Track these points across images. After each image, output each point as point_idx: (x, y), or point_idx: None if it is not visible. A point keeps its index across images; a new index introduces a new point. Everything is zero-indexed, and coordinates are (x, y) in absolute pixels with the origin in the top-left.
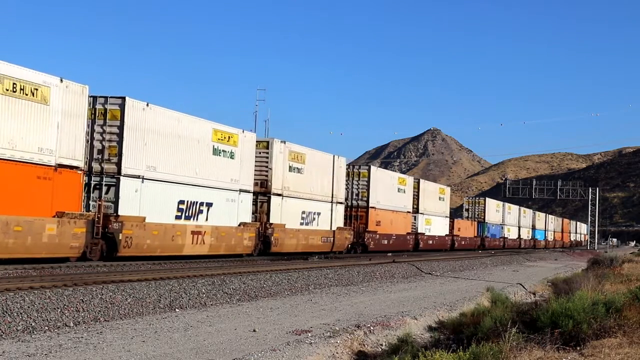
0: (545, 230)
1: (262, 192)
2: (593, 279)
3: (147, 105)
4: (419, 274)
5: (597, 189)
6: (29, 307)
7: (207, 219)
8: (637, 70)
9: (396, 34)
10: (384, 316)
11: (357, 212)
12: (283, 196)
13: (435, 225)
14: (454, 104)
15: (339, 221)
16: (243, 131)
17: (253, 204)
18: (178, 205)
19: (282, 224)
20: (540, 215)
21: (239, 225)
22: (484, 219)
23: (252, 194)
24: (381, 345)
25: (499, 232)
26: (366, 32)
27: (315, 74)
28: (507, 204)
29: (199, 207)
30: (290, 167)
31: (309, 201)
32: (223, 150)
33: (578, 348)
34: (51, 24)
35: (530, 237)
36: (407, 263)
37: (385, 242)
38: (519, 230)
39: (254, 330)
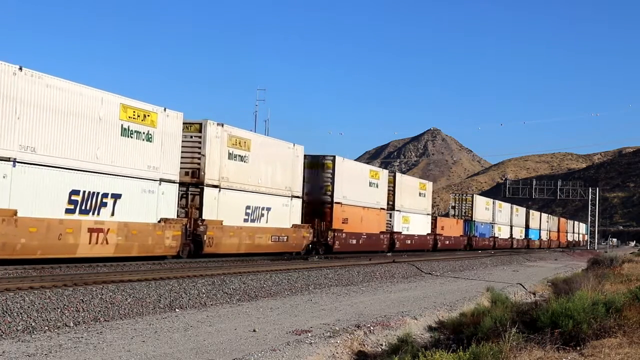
0: (539, 230)
1: (194, 183)
2: (593, 279)
3: (21, 69)
4: (419, 274)
5: (597, 189)
6: (29, 307)
7: (112, 214)
8: (637, 70)
9: (396, 34)
10: (384, 316)
11: (320, 208)
12: (221, 188)
13: (414, 223)
14: (454, 104)
15: (296, 218)
16: (165, 109)
17: (182, 197)
18: (70, 197)
19: (218, 221)
20: (535, 214)
21: (159, 221)
22: (472, 217)
23: (177, 184)
24: (381, 345)
25: (488, 231)
26: (366, 32)
27: (315, 74)
28: (497, 202)
29: (101, 200)
30: (230, 154)
31: (256, 194)
32: (136, 131)
33: (578, 348)
34: (50, 24)
35: (523, 237)
36: (407, 263)
37: (354, 241)
38: (511, 229)
39: (254, 330)
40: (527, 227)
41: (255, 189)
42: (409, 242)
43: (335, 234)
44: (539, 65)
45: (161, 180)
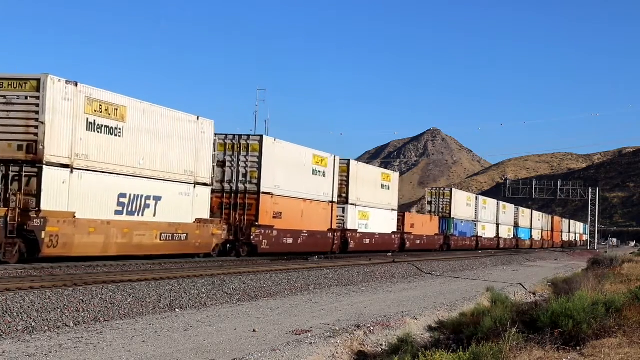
0: (531, 229)
1: (28, 161)
2: (593, 279)
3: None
4: (419, 274)
5: (597, 189)
6: (29, 307)
7: None
8: (637, 70)
9: (396, 34)
10: (384, 316)
11: (243, 199)
12: (74, 168)
13: (375, 220)
14: (454, 104)
15: (201, 211)
16: None
17: (6, 180)
18: None
19: (68, 213)
20: (525, 212)
21: None
22: (450, 213)
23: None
24: (381, 345)
25: (470, 230)
26: (366, 32)
27: (315, 74)
28: (481, 197)
29: None
30: (91, 124)
31: (138, 179)
32: None
33: (578, 348)
34: (51, 23)
35: (512, 236)
36: (407, 263)
37: (290, 240)
38: (498, 228)
39: (254, 330)
40: (516, 226)
41: (137, 172)
42: (367, 241)
43: (263, 232)
44: (539, 65)
45: None
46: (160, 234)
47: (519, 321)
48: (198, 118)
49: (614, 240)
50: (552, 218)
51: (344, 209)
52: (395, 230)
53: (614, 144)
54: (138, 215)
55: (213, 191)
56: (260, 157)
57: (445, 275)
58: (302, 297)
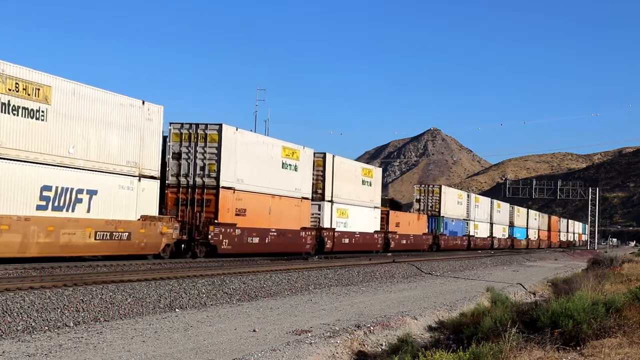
0: (527, 228)
1: None
2: (593, 279)
3: None
4: (419, 274)
5: (597, 189)
6: (29, 307)
7: None
8: (637, 70)
9: (396, 34)
10: (384, 316)
11: (200, 194)
12: None
13: (356, 218)
14: (454, 104)
15: (148, 207)
16: None
17: None
18: None
19: None
20: (521, 210)
21: None
22: (440, 211)
23: None
24: (381, 345)
25: (461, 229)
26: (366, 32)
27: (315, 74)
28: (473, 195)
29: None
30: (5, 104)
31: (66, 170)
32: None
33: (578, 348)
34: (51, 23)
35: (507, 236)
36: (407, 263)
37: (255, 240)
38: (491, 227)
39: (254, 330)
40: (511, 225)
41: (66, 162)
42: (346, 241)
43: (223, 230)
44: (539, 65)
45: None
46: (96, 232)
47: (519, 321)
48: (144, 103)
49: (614, 240)
50: (550, 217)
51: (319, 206)
52: (378, 229)
53: (614, 144)
54: (67, 211)
55: (168, 186)
56: (219, 148)
57: (445, 275)
58: (302, 297)
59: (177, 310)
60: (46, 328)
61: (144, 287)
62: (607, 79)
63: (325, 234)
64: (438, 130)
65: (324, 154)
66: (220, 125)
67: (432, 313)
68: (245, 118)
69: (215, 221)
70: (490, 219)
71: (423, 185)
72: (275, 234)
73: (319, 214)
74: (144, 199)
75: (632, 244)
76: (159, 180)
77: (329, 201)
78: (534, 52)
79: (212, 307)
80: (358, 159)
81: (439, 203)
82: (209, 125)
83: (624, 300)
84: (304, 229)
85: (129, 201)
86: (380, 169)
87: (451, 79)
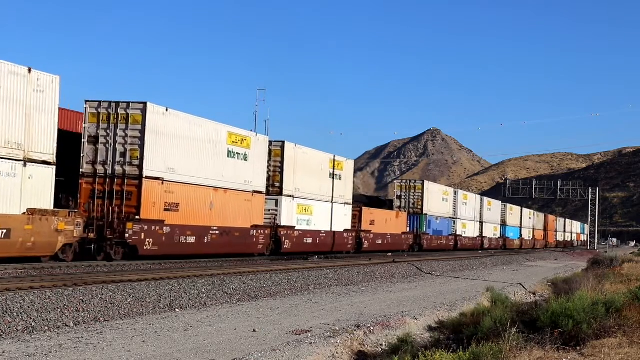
0: (520, 228)
1: None
2: (593, 279)
3: None
4: (419, 274)
5: (597, 189)
6: (29, 307)
7: None
8: (637, 70)
9: (396, 34)
10: (384, 316)
11: (120, 185)
12: None
13: (321, 215)
14: (454, 104)
15: (39, 198)
16: None
17: None
18: None
19: None
20: (514, 209)
21: None
22: (422, 209)
23: None
24: (381, 345)
25: (447, 228)
26: (366, 32)
27: (315, 74)
28: (461, 192)
29: None
30: None
31: None
32: None
33: (578, 348)
34: (52, 23)
35: (498, 236)
36: (407, 263)
37: (191, 239)
38: (481, 226)
39: (254, 330)
40: (503, 224)
41: None
42: (308, 240)
43: (147, 228)
44: (539, 65)
45: None
46: None
47: (519, 321)
48: (30, 71)
49: (614, 240)
50: (546, 216)
51: (277, 201)
52: (349, 227)
53: (614, 144)
54: None
55: (83, 175)
56: (143, 131)
57: (445, 275)
58: (302, 297)
59: (177, 310)
60: (46, 328)
61: (144, 287)
62: (607, 79)
63: (282, 232)
64: (438, 130)
65: (283, 142)
66: (145, 104)
67: (432, 313)
68: (245, 118)
69: (137, 217)
70: (480, 217)
71: (404, 181)
72: (217, 232)
73: (276, 210)
74: (33, 189)
75: (632, 244)
76: (54, 167)
77: (288, 196)
78: (534, 52)
79: (212, 307)
80: (358, 159)
81: (422, 200)
82: (131, 104)
83: (624, 300)
84: (255, 227)
85: (10, 191)
86: (352, 161)
87: (451, 79)
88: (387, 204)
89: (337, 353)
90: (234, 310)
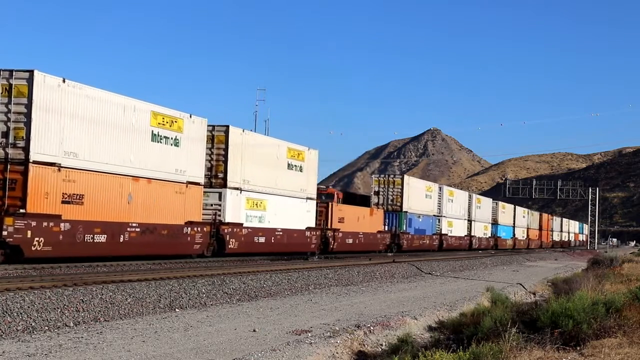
0: (513, 227)
1: None
2: (593, 279)
3: None
4: (419, 274)
5: (597, 189)
6: (29, 307)
7: None
8: (637, 70)
9: (396, 34)
10: (384, 316)
11: (1, 173)
12: None
13: (276, 211)
14: (454, 104)
15: None
16: None
17: None
18: None
19: None
20: (507, 207)
21: None
22: (402, 206)
23: None
24: (381, 345)
25: (431, 227)
26: (366, 32)
27: (315, 74)
28: (447, 188)
29: None
30: None
31: None
32: None
33: (578, 348)
34: (52, 23)
35: (489, 235)
36: (407, 263)
37: (101, 238)
38: (470, 224)
39: (254, 330)
40: (495, 223)
41: None
42: (260, 239)
43: (35, 225)
44: (539, 65)
45: None
46: None
47: (519, 321)
48: None
49: (614, 240)
50: (541, 215)
51: (220, 194)
52: (312, 225)
53: (614, 144)
54: None
55: None
56: (29, 106)
57: (445, 275)
58: (302, 297)
59: (177, 310)
60: (46, 328)
61: (144, 287)
62: (607, 79)
63: (226, 230)
64: (438, 130)
65: (227, 126)
66: (31, 72)
67: (432, 313)
68: (245, 118)
69: (21, 211)
70: (469, 215)
71: (382, 175)
72: (137, 229)
73: (220, 205)
74: None
75: (632, 244)
76: None
77: (234, 188)
78: (534, 52)
79: (212, 307)
80: (358, 159)
81: (401, 196)
82: (14, 73)
83: (624, 300)
84: (190, 224)
85: None
86: (316, 151)
87: (451, 79)
88: (357, 199)
89: (337, 353)
90: (234, 310)
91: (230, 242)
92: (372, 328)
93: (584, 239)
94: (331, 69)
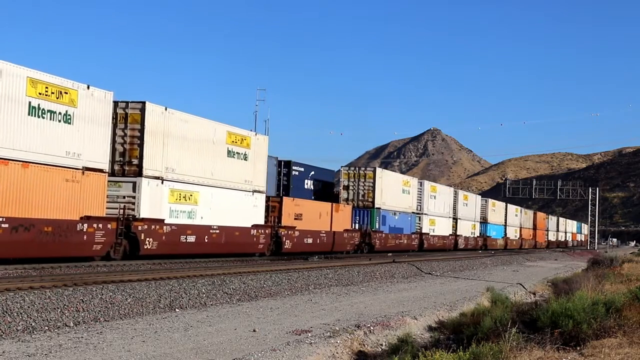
0: (505, 226)
1: None
2: (593, 279)
3: None
4: (419, 274)
5: (597, 189)
6: (29, 307)
7: None
8: (637, 70)
9: (396, 34)
10: (384, 316)
11: None
12: None
13: (211, 206)
14: (454, 104)
15: None
16: None
17: None
18: None
19: None
20: (497, 205)
21: None
22: (374, 202)
23: None
24: (381, 345)
25: (409, 225)
26: (366, 32)
27: (315, 74)
28: (429, 183)
29: None
30: None
31: None
32: None
33: (578, 348)
34: (52, 23)
35: (477, 234)
36: (407, 263)
37: None
38: (456, 223)
39: (254, 330)
40: (484, 222)
41: None
42: (189, 239)
43: None
44: (539, 65)
45: None
46: None
47: (519, 321)
48: None
49: (614, 240)
50: (535, 214)
51: (134, 184)
52: (261, 222)
53: (614, 144)
54: None
55: None
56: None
57: (445, 275)
58: (302, 297)
59: (177, 310)
60: (46, 328)
61: (144, 287)
62: (607, 79)
63: (141, 227)
64: (438, 130)
65: (143, 102)
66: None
67: (432, 313)
68: (245, 118)
69: None
70: (454, 213)
71: (352, 168)
72: (4, 225)
73: (134, 197)
74: None
75: (632, 244)
76: None
77: (154, 177)
78: (534, 52)
79: (212, 307)
80: (358, 159)
81: (373, 191)
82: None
83: (624, 300)
84: (88, 219)
85: None
86: (265, 137)
87: (451, 79)
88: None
89: (337, 353)
90: (234, 310)
91: (147, 242)
92: (372, 328)
93: (582, 239)
94: (331, 68)
